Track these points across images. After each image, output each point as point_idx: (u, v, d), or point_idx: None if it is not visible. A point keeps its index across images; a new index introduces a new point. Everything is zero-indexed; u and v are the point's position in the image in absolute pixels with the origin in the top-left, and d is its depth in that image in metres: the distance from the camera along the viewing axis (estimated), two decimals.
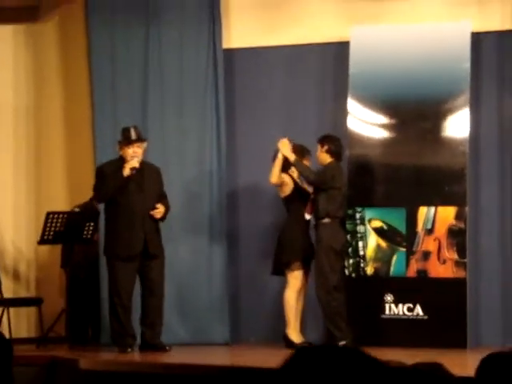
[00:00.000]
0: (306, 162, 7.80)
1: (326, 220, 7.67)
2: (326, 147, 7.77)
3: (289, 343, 7.65)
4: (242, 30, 8.64)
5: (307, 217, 7.82)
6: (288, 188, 7.80)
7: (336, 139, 7.83)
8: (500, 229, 8.04)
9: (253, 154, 8.55)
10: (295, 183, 7.84)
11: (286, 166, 7.78)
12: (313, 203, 7.76)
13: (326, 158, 7.78)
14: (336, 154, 7.78)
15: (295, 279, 7.71)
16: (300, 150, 7.83)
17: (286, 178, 7.79)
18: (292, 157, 7.68)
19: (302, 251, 7.72)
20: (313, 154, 7.91)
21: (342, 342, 7.47)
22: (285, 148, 7.71)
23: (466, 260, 7.79)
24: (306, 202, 7.83)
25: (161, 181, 7.62)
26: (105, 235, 7.57)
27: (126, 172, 7.29)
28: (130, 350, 7.31)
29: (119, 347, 7.34)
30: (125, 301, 7.35)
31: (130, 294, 7.40)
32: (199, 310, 8.22)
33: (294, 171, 7.81)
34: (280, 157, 7.72)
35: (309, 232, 7.83)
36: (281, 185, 7.82)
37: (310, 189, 7.87)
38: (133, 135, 7.38)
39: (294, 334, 7.70)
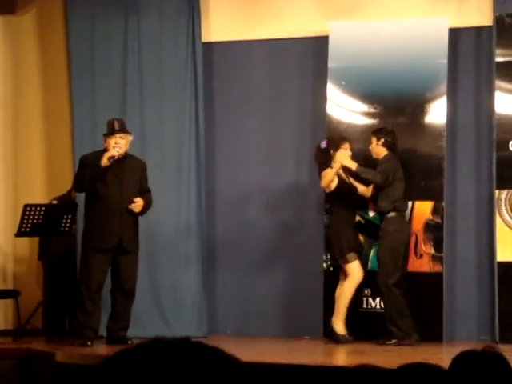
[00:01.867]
0: (345, 151, 7.65)
1: (392, 214, 7.56)
2: (382, 140, 7.64)
3: (333, 334, 7.55)
4: (221, 24, 8.64)
5: (371, 214, 7.74)
6: (333, 183, 7.67)
7: (390, 131, 7.72)
8: (476, 223, 8.10)
9: (232, 147, 8.57)
10: (340, 178, 7.71)
11: (328, 160, 7.62)
12: (374, 199, 7.66)
13: (382, 151, 7.66)
14: (392, 146, 7.67)
15: (355, 271, 7.59)
16: (336, 141, 7.71)
17: (331, 173, 7.63)
18: (354, 166, 7.56)
19: (354, 243, 7.64)
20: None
21: (394, 341, 7.34)
22: (345, 159, 7.57)
23: (442, 254, 7.85)
24: (351, 196, 7.68)
25: (144, 175, 7.58)
26: (83, 225, 7.53)
27: (104, 161, 7.26)
28: (89, 343, 7.22)
29: (79, 339, 7.27)
30: (93, 293, 7.31)
31: (101, 286, 7.36)
32: (177, 304, 8.23)
33: (336, 163, 7.62)
34: (338, 166, 7.57)
35: (355, 227, 7.74)
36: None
37: (356, 183, 7.74)
38: (116, 126, 7.38)
39: (340, 325, 7.59)
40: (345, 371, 1.75)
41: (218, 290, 8.52)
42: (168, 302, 8.25)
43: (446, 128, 7.96)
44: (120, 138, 7.36)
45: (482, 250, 8.04)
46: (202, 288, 8.29)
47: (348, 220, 7.70)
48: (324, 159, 7.67)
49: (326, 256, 8.04)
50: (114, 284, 7.44)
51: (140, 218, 7.55)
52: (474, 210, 8.10)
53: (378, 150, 7.69)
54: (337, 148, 7.65)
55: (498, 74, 7.87)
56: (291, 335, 8.07)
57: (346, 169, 7.70)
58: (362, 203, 7.87)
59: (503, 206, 7.83)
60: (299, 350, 7.38)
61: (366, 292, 7.93)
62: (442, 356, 6.96)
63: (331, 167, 7.63)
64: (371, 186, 7.76)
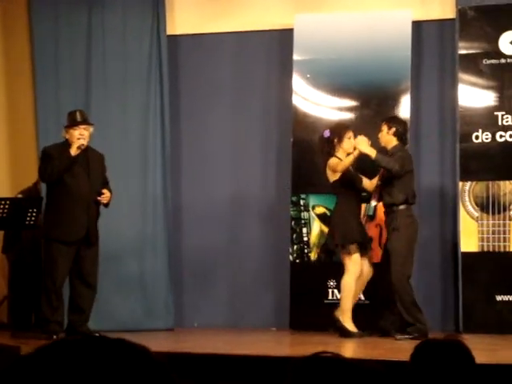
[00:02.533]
0: (349, 139, 7.49)
1: (403, 207, 7.32)
2: (393, 129, 7.43)
3: (344, 332, 7.28)
4: (186, 17, 8.63)
5: (373, 203, 7.54)
6: (337, 172, 7.50)
7: (402, 121, 7.56)
8: (440, 215, 8.18)
9: (198, 144, 8.58)
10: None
11: (332, 149, 7.48)
12: (380, 189, 7.46)
13: (392, 141, 7.45)
14: (403, 136, 7.49)
15: (354, 265, 7.31)
16: (339, 130, 7.54)
17: (348, 160, 7.44)
18: (373, 153, 7.30)
19: (358, 234, 7.40)
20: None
21: (415, 335, 6.96)
22: (364, 145, 7.32)
23: None
24: (356, 186, 7.51)
25: (104, 167, 7.59)
26: (46, 217, 7.42)
27: (74, 151, 7.20)
28: (55, 337, 7.12)
29: (45, 334, 7.20)
30: (59, 287, 7.27)
31: (65, 280, 7.33)
32: (143, 296, 8.24)
33: (339, 152, 7.49)
34: (356, 154, 7.35)
35: (360, 217, 7.55)
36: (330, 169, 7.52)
37: (362, 176, 7.56)
38: (78, 117, 7.34)
39: (349, 322, 7.31)
40: (302, 359, 1.75)
41: (184, 282, 8.53)
42: (134, 295, 8.24)
43: (409, 120, 8.02)
44: (84, 129, 7.34)
45: (445, 240, 8.12)
46: (168, 281, 8.30)
47: (353, 210, 7.49)
48: (328, 148, 7.52)
49: (293, 248, 8.08)
50: (76, 277, 7.37)
51: (105, 210, 7.54)
52: (438, 202, 8.18)
53: (388, 138, 7.48)
54: (340, 137, 7.50)
55: (461, 67, 7.95)
56: (258, 327, 8.11)
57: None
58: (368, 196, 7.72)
59: (467, 198, 7.92)
60: (266, 341, 7.41)
61: (331, 283, 7.97)
62: (407, 346, 7.02)
63: (336, 156, 7.50)
64: (374, 180, 7.57)
